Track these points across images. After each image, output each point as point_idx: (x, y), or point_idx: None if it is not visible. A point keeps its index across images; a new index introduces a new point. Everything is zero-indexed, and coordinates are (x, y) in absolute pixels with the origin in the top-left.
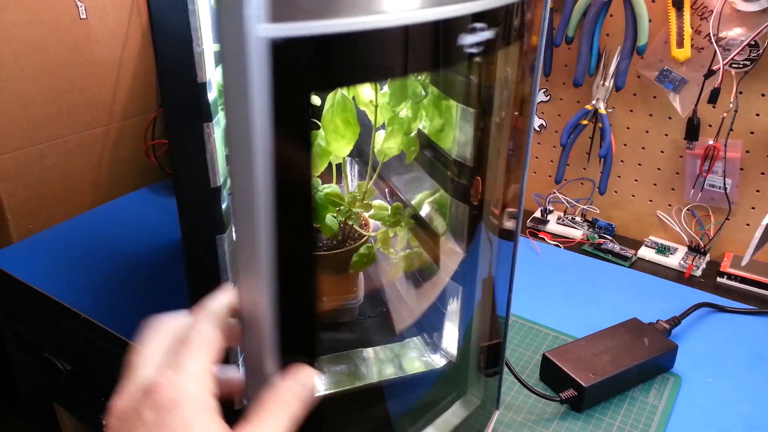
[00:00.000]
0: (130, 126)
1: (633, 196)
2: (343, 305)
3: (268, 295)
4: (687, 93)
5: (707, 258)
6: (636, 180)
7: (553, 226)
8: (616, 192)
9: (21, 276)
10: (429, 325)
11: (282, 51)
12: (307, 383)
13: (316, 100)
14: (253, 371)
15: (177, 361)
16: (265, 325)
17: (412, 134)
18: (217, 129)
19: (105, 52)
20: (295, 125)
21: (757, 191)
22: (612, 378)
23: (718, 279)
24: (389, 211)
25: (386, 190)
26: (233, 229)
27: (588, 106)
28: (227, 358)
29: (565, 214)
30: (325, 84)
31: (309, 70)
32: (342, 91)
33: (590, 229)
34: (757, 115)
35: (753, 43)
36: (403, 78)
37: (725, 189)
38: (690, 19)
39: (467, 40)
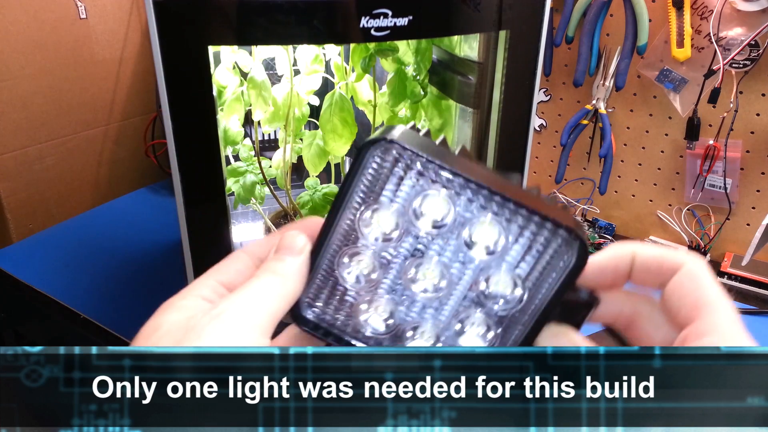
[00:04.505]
0: (130, 126)
1: (633, 195)
2: None
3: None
4: (687, 93)
5: (707, 258)
6: (636, 180)
7: None
8: (616, 192)
9: (21, 276)
10: None
11: (164, 10)
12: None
13: (314, 100)
14: None
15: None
16: None
17: None
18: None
19: (105, 52)
20: (179, 65)
21: (758, 191)
22: None
23: (719, 279)
24: None
25: None
26: None
27: (588, 106)
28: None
29: None
30: (200, 39)
31: (188, 25)
32: (340, 91)
33: (590, 229)
34: (758, 114)
35: (753, 42)
36: (272, 44)
37: (725, 189)
38: (690, 18)
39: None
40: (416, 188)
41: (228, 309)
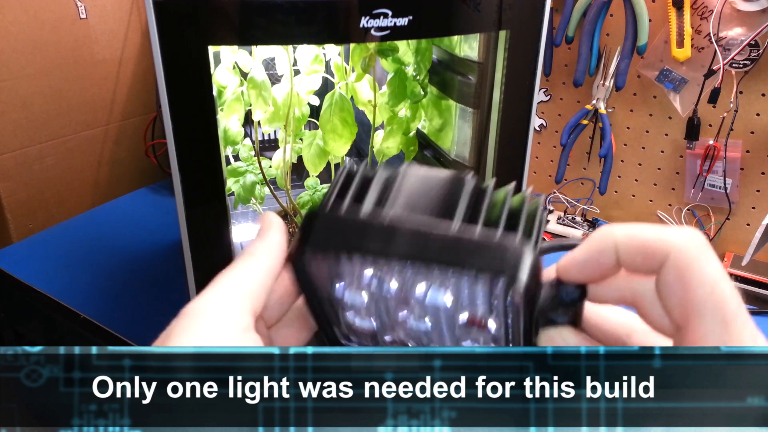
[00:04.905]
0: (130, 126)
1: (633, 196)
2: None
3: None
4: (687, 93)
5: None
6: (636, 180)
7: (553, 226)
8: (616, 192)
9: (21, 276)
10: None
11: (164, 10)
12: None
13: (314, 100)
14: None
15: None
16: None
17: (411, 134)
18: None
19: (105, 52)
20: (178, 63)
21: (758, 191)
22: None
23: None
24: None
25: None
26: None
27: (588, 106)
28: None
29: (565, 214)
30: (200, 39)
31: (188, 25)
32: (340, 91)
33: (590, 229)
34: (758, 114)
35: (753, 42)
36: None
37: (725, 189)
38: (690, 18)
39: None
40: (353, 268)
41: (210, 287)
